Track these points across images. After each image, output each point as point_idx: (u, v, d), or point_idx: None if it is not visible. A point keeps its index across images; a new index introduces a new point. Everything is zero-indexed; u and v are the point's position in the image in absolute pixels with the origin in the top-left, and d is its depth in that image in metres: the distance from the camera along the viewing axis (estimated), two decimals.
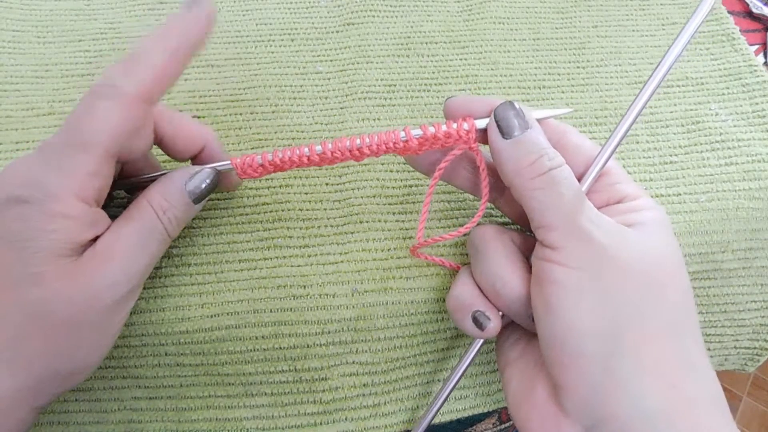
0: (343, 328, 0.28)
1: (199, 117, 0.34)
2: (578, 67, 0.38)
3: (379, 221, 0.30)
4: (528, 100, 0.36)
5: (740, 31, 0.39)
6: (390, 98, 0.35)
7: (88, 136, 0.21)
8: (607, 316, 0.21)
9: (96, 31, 0.37)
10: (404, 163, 0.32)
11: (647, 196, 0.25)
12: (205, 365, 0.29)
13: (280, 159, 0.25)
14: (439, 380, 0.32)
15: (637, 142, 0.34)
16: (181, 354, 0.28)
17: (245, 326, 0.27)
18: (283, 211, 0.30)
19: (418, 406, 0.31)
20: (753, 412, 1.14)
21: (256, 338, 0.28)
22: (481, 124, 0.25)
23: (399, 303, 0.28)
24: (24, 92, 0.34)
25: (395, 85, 0.36)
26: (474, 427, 0.39)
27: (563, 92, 0.36)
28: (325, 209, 0.30)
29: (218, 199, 0.30)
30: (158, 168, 0.28)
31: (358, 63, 0.36)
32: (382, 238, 0.30)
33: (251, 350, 0.28)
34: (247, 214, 0.30)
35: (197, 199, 0.25)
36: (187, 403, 0.30)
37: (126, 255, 0.23)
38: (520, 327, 0.27)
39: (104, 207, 0.23)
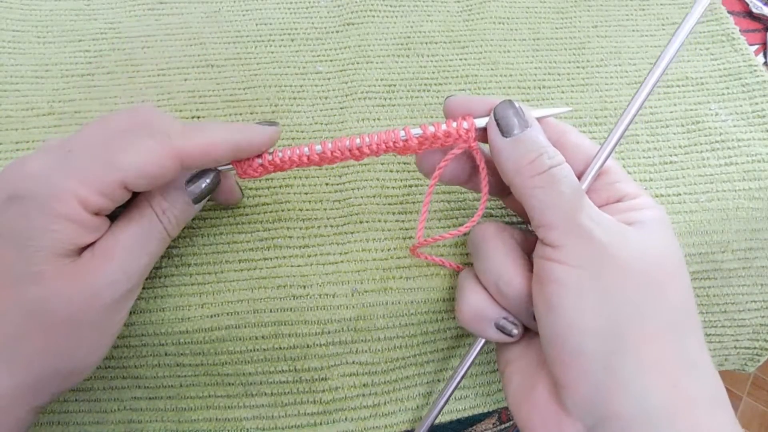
0: (343, 328, 0.28)
1: (199, 117, 0.33)
2: (578, 67, 0.38)
3: (379, 221, 0.30)
4: (528, 100, 0.36)
5: (740, 31, 0.39)
6: (390, 98, 0.35)
7: (116, 160, 0.21)
8: (607, 315, 0.21)
9: (96, 31, 0.37)
10: (404, 163, 0.32)
11: (647, 194, 0.25)
12: (205, 365, 0.29)
13: (280, 159, 0.25)
14: (439, 380, 0.32)
15: (637, 142, 0.34)
16: (181, 354, 0.28)
17: (245, 326, 0.27)
18: (283, 211, 0.30)
19: (418, 406, 0.31)
20: (753, 412, 1.14)
21: (256, 338, 0.28)
22: (480, 123, 0.25)
23: (399, 303, 0.28)
24: (24, 92, 0.34)
25: (395, 85, 0.36)
26: (474, 427, 0.39)
27: (563, 92, 0.36)
28: (325, 209, 0.30)
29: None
30: None
31: (358, 63, 0.36)
32: (382, 238, 0.30)
33: (251, 350, 0.28)
34: (247, 214, 0.30)
35: (197, 199, 0.25)
36: (187, 403, 0.30)
37: (125, 254, 0.23)
38: None
39: None
